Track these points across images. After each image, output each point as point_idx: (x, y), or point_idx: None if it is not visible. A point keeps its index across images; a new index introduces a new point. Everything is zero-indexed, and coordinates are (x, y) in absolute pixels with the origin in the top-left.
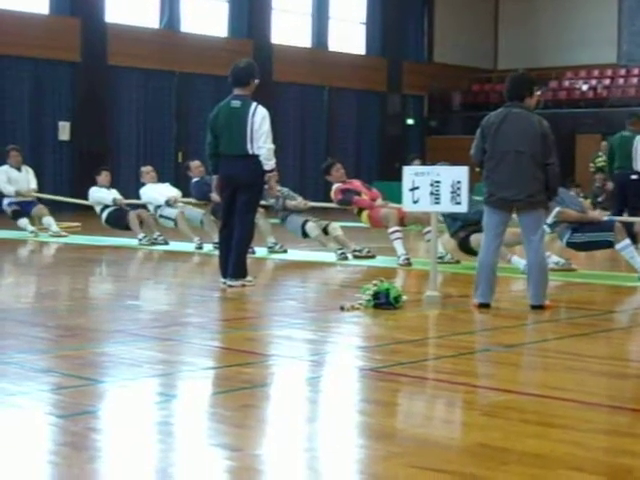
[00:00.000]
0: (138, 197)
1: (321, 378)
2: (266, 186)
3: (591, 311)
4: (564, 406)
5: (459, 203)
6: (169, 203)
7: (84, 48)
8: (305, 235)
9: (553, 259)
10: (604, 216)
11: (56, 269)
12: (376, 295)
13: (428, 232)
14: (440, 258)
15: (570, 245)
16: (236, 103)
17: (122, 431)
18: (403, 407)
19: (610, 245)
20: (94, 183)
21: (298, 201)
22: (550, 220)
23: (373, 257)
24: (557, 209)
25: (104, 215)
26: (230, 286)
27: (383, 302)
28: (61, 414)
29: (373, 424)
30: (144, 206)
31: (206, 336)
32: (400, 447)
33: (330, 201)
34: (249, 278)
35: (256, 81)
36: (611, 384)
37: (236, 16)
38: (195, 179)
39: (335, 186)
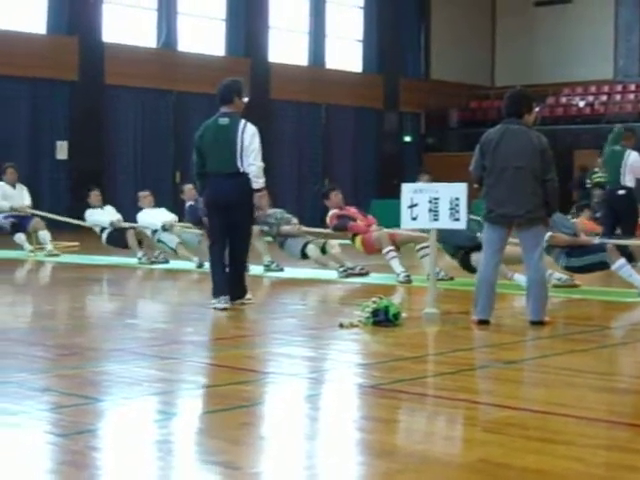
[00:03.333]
0: (135, 216)
1: (320, 395)
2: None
3: (590, 327)
4: (564, 422)
5: (458, 219)
6: (165, 227)
7: (81, 67)
8: (304, 256)
9: (556, 276)
10: (595, 239)
11: (54, 288)
12: (375, 312)
13: (421, 249)
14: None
15: (568, 269)
16: (224, 120)
17: (122, 449)
18: (403, 424)
19: (606, 266)
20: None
21: (291, 226)
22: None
23: (366, 274)
24: (549, 234)
25: (104, 236)
26: (236, 304)
27: (382, 319)
28: (61, 433)
29: (373, 441)
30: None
31: (205, 354)
32: (401, 464)
33: (325, 224)
34: (248, 296)
35: (244, 99)
36: (611, 400)
37: (233, 35)
38: (189, 203)
39: (331, 212)
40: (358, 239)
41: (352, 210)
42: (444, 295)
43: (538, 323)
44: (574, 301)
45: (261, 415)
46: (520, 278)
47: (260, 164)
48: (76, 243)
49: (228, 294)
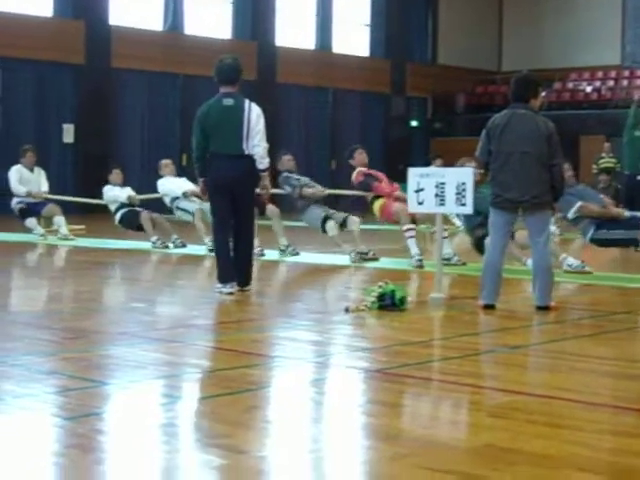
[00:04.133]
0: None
1: (326, 380)
2: (259, 188)
3: (598, 312)
4: (570, 407)
5: (464, 204)
6: (186, 195)
7: (88, 50)
8: (324, 231)
9: (568, 261)
10: (625, 212)
11: (64, 272)
12: (381, 297)
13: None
14: (447, 260)
15: (594, 241)
16: (229, 101)
17: (128, 433)
18: (409, 408)
19: (636, 243)
20: (98, 185)
21: (315, 189)
22: (572, 215)
23: (376, 259)
24: (579, 204)
25: (117, 216)
26: (244, 291)
27: (388, 304)
28: (67, 416)
29: (379, 425)
30: (157, 209)
31: (211, 338)
32: (407, 448)
33: (347, 188)
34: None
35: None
36: (617, 385)
37: (240, 18)
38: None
39: (358, 169)
40: (377, 203)
41: (379, 173)
42: (453, 280)
43: (544, 308)
44: (583, 287)
45: (267, 399)
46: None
47: (265, 145)
48: (82, 226)
49: (236, 279)
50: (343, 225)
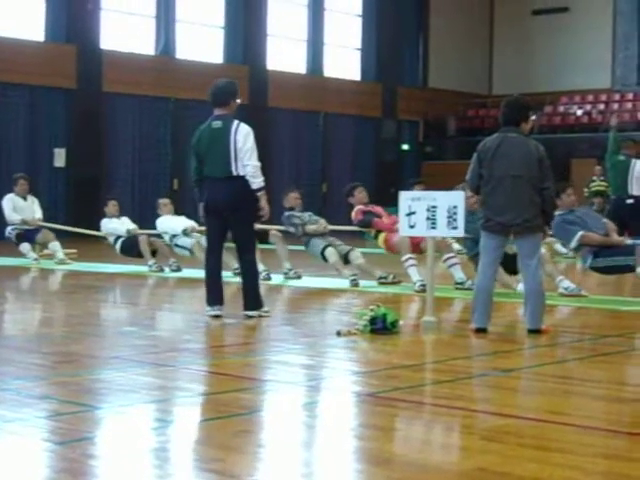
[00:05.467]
0: (137, 222)
1: (318, 403)
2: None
3: (589, 335)
4: (562, 430)
5: (455, 228)
6: (186, 232)
7: (80, 75)
8: (325, 260)
9: (564, 284)
10: (627, 240)
11: (56, 296)
12: (373, 320)
13: (447, 259)
14: (460, 284)
15: (593, 269)
16: (217, 124)
17: (119, 457)
18: (401, 432)
19: (631, 269)
20: (89, 208)
21: (318, 225)
22: (574, 244)
23: (399, 283)
24: (580, 233)
25: (117, 245)
26: (249, 317)
27: (380, 327)
28: (58, 441)
29: (371, 449)
30: (158, 236)
31: (203, 362)
32: (399, 472)
33: (349, 224)
34: (265, 308)
35: (237, 100)
36: (609, 408)
37: (231, 42)
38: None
39: (357, 207)
40: (381, 237)
41: (377, 208)
42: (459, 304)
43: (536, 331)
44: (577, 309)
45: (258, 423)
46: (567, 285)
47: (255, 163)
48: (74, 250)
49: (222, 302)
50: (347, 261)
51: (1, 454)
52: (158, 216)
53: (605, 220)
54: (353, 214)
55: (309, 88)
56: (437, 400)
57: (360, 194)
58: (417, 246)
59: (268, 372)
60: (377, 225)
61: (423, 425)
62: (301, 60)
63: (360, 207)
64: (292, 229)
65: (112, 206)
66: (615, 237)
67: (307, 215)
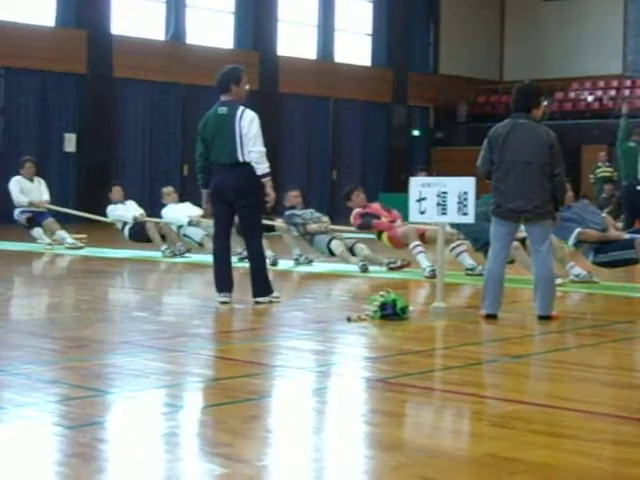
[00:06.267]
0: (146, 207)
1: (328, 389)
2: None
3: (600, 322)
4: (572, 416)
5: (466, 214)
6: (192, 223)
7: (90, 60)
8: (332, 254)
9: (574, 271)
10: (624, 235)
11: (68, 281)
12: (383, 306)
13: (455, 247)
14: (471, 270)
15: (596, 264)
16: (223, 110)
17: (129, 442)
18: (411, 418)
19: (635, 261)
20: (99, 193)
21: (320, 224)
22: (571, 241)
23: (408, 265)
24: (577, 230)
25: (126, 232)
26: (258, 302)
27: (390, 313)
28: (69, 425)
29: (381, 435)
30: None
31: (213, 347)
32: (409, 458)
33: (349, 224)
34: (275, 294)
35: (245, 87)
36: (619, 394)
37: (242, 28)
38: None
39: (355, 211)
40: (384, 235)
41: (375, 207)
42: (469, 289)
43: (546, 318)
44: (587, 296)
45: (268, 408)
46: (578, 271)
47: (260, 149)
48: (84, 235)
49: (231, 288)
50: (353, 254)
51: (12, 438)
52: (164, 205)
53: (604, 215)
54: (352, 218)
55: (320, 74)
56: (447, 386)
57: (357, 197)
58: (422, 236)
59: (278, 358)
60: (377, 226)
61: (433, 411)
62: (312, 46)
63: (358, 210)
64: (294, 229)
65: (116, 192)
66: (613, 232)
67: (309, 212)
